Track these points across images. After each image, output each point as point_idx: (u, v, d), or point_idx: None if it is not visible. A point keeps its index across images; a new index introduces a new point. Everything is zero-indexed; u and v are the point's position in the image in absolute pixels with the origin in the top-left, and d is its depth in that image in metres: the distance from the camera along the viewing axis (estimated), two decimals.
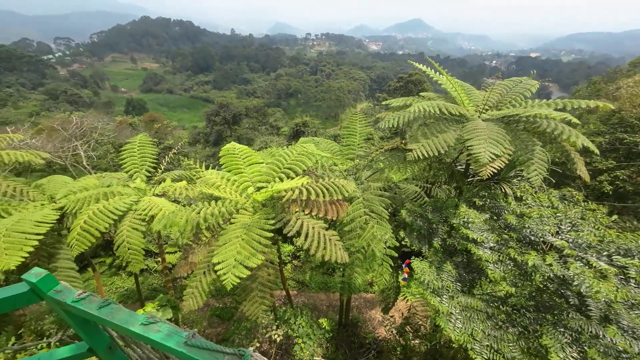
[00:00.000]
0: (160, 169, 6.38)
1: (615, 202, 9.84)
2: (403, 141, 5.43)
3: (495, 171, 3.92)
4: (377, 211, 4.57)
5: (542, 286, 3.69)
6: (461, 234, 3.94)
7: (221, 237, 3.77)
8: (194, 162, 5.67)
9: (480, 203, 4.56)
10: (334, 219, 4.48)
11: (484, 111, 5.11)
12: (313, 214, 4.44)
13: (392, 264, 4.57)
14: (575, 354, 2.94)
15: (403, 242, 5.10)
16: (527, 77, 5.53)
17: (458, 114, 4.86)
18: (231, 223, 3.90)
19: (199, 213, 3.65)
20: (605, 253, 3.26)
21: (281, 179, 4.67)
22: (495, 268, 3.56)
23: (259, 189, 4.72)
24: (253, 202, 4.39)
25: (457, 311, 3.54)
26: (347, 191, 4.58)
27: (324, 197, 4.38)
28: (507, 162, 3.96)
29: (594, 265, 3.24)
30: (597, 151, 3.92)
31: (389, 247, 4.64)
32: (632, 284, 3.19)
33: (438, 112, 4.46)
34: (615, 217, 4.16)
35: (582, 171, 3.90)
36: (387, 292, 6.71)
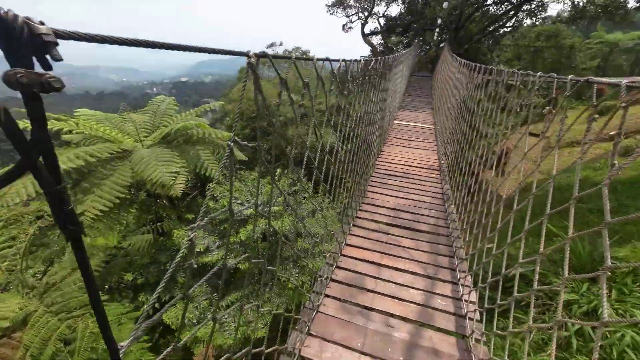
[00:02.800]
0: None
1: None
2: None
3: (184, 185, 4.17)
4: (75, 306, 3.35)
5: (269, 246, 4.74)
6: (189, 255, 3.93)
7: None
8: None
9: (193, 217, 4.78)
10: None
11: (143, 139, 5.10)
12: None
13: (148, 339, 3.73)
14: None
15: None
16: (172, 98, 6.23)
17: (116, 151, 4.46)
18: None
19: None
20: (273, 201, 4.77)
21: None
22: (232, 255, 3.99)
23: None
24: None
25: (226, 317, 3.66)
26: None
27: None
28: (187, 174, 4.35)
29: (275, 210, 4.60)
30: (224, 143, 5.41)
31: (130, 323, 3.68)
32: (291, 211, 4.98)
33: (83, 164, 3.80)
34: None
35: (239, 156, 5.32)
36: None
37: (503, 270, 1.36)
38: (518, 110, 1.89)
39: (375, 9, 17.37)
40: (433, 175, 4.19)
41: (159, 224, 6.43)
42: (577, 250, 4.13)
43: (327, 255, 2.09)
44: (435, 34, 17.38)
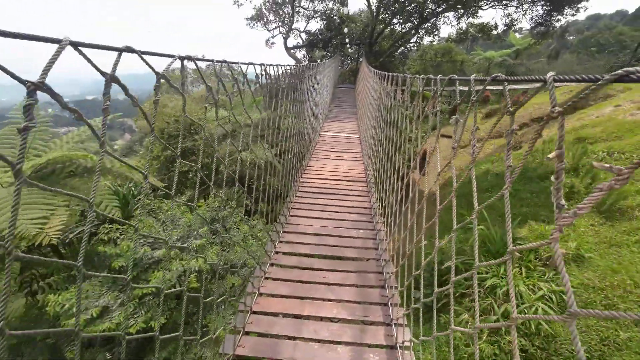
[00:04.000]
0: None
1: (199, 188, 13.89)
2: None
3: (60, 233, 3.20)
4: None
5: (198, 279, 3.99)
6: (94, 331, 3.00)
7: None
8: None
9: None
10: None
11: (1, 176, 3.85)
12: None
13: None
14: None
15: None
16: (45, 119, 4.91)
17: None
18: None
19: None
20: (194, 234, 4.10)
21: None
22: (142, 312, 3.19)
23: None
24: None
25: None
26: None
27: None
28: (66, 216, 3.38)
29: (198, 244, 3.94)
30: (131, 174, 4.56)
31: None
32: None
33: None
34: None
35: (153, 183, 4.43)
36: None
37: (434, 303, 1.20)
38: (429, 116, 1.88)
39: (296, 25, 17.84)
40: (360, 188, 4.11)
41: (42, 283, 4.95)
42: (491, 237, 4.59)
43: (229, 325, 1.61)
44: (352, 48, 18.78)
